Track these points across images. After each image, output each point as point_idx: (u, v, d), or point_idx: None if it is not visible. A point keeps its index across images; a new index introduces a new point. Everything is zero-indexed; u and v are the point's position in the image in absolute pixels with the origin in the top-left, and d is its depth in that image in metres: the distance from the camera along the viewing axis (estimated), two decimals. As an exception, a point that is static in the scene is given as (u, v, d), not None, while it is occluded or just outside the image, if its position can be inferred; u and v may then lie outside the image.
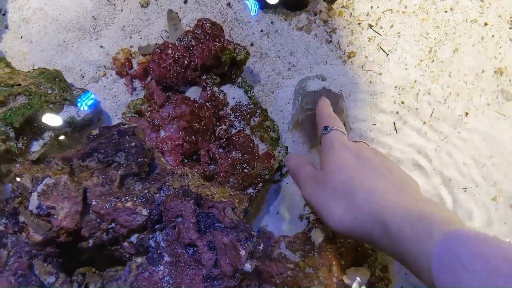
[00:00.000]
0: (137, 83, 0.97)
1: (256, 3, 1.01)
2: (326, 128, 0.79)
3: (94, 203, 0.67)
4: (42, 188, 0.65)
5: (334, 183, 0.69)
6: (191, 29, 0.89)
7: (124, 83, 0.96)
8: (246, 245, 0.66)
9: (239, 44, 0.92)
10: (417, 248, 0.55)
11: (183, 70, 0.86)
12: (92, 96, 0.90)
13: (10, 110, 0.80)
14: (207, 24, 0.87)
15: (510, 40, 0.98)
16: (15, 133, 0.80)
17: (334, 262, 0.85)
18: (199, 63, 0.87)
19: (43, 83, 0.84)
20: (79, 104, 0.87)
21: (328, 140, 0.77)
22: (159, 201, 0.71)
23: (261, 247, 0.67)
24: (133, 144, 0.72)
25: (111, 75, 0.97)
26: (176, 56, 0.85)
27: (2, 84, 0.83)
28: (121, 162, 0.72)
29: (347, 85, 0.98)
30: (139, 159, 0.72)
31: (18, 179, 0.68)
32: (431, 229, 0.55)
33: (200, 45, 0.87)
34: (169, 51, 0.85)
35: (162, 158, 0.78)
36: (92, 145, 0.73)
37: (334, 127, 0.79)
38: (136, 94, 0.97)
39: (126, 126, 0.75)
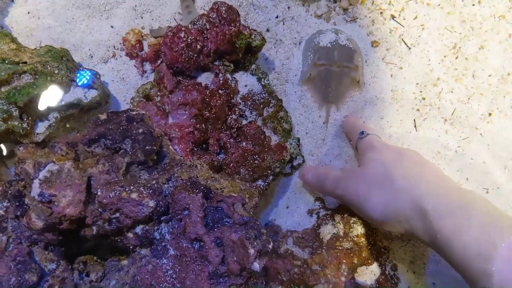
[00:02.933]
0: (147, 66, 0.93)
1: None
2: (362, 133, 0.83)
3: (99, 192, 0.64)
4: (45, 175, 0.62)
5: (373, 176, 0.73)
6: (206, 12, 0.85)
7: (134, 65, 0.93)
8: (255, 243, 0.63)
9: (255, 30, 0.87)
10: (463, 246, 0.58)
11: (196, 55, 0.82)
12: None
13: (15, 89, 0.77)
14: (223, 8, 0.83)
15: (540, 38, 0.93)
16: (19, 113, 0.77)
17: (344, 261, 0.83)
18: (213, 48, 0.83)
19: (50, 62, 0.81)
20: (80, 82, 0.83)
21: (366, 142, 0.81)
22: (167, 192, 0.68)
23: (270, 246, 0.65)
24: (140, 130, 0.69)
25: (121, 56, 0.93)
26: (189, 40, 0.81)
27: (7, 62, 0.80)
28: (128, 149, 0.69)
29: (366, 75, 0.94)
30: (146, 147, 0.69)
31: (21, 164, 0.65)
32: (483, 231, 0.57)
33: (215, 29, 0.83)
34: (182, 35, 0.81)
35: (171, 147, 0.74)
36: (99, 130, 0.69)
37: (370, 131, 0.83)
38: (146, 76, 0.93)
39: (135, 113, 0.71)
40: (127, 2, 0.94)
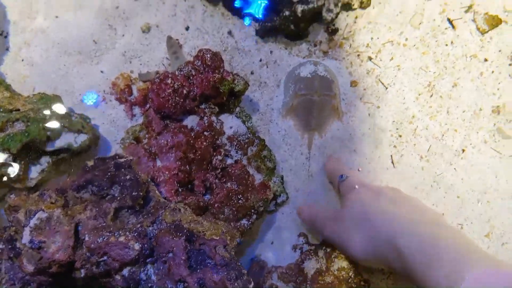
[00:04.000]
0: (137, 109, 0.98)
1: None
2: (342, 176, 0.87)
3: (86, 238, 0.67)
4: (35, 223, 0.65)
5: (353, 216, 0.77)
6: (192, 59, 0.90)
7: (124, 110, 0.97)
8: (236, 283, 0.66)
9: (238, 75, 0.92)
10: (436, 282, 0.61)
11: (182, 99, 0.87)
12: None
13: (8, 136, 0.81)
14: (208, 55, 0.88)
15: (510, 76, 0.98)
16: (13, 159, 0.81)
17: (326, 295, 0.85)
18: (198, 92, 0.88)
19: (42, 109, 0.85)
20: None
21: (347, 184, 0.85)
22: (152, 235, 0.71)
23: (251, 286, 0.68)
24: (128, 177, 0.73)
25: (111, 100, 0.98)
26: (176, 86, 0.86)
27: (1, 109, 0.84)
28: (116, 195, 0.72)
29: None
30: (133, 193, 0.73)
31: (13, 212, 0.68)
32: (452, 267, 0.60)
33: (200, 75, 0.88)
34: (169, 81, 0.86)
35: (156, 191, 0.78)
36: (86, 176, 0.73)
37: (350, 174, 0.87)
38: (136, 119, 0.97)
39: (122, 160, 0.75)
40: (116, 48, 0.99)
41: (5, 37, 0.97)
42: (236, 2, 1.01)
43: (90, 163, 0.75)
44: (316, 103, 0.95)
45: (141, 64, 0.99)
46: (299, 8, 0.96)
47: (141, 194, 0.73)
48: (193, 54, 1.01)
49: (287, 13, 0.97)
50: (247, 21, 1.03)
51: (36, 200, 0.69)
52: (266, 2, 1.00)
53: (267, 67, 1.01)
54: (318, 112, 0.96)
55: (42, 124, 0.83)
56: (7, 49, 0.96)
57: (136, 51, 1.00)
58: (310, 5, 0.96)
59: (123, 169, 0.74)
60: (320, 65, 0.97)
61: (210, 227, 0.73)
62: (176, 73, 0.88)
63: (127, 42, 0.99)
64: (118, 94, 0.96)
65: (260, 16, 1.00)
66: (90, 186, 0.73)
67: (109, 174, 0.73)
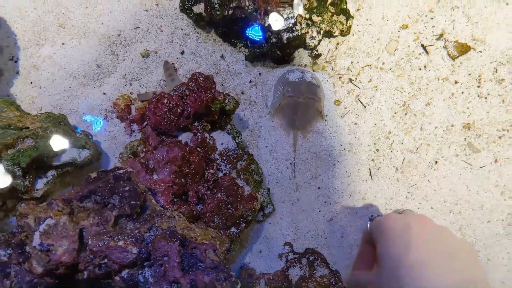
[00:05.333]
0: (135, 126, 1.06)
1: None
2: (372, 215, 0.81)
3: (90, 242, 0.75)
4: (44, 228, 0.73)
5: (384, 279, 0.69)
6: (186, 81, 0.98)
7: (123, 127, 1.05)
8: (224, 284, 0.73)
9: (229, 95, 1.01)
10: None
11: (177, 117, 0.95)
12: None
13: (18, 151, 0.89)
14: (200, 78, 0.97)
15: (478, 96, 1.07)
16: (22, 172, 0.89)
17: (309, 300, 0.92)
18: (192, 111, 0.96)
19: (49, 127, 0.93)
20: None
21: (375, 225, 0.77)
22: (149, 240, 0.78)
23: (238, 287, 0.75)
24: (127, 188, 0.81)
25: (112, 118, 1.06)
26: (171, 105, 0.94)
27: (12, 127, 0.92)
28: (116, 204, 0.80)
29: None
30: (132, 202, 0.80)
31: (23, 219, 0.76)
32: None
33: (193, 95, 0.96)
34: (165, 101, 0.94)
35: (153, 200, 0.86)
36: (90, 187, 0.81)
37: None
38: (134, 136, 1.05)
39: (121, 171, 0.83)
40: (117, 71, 1.08)
41: (16, 62, 1.05)
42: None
43: (93, 175, 0.83)
44: (302, 105, 1.04)
45: (140, 86, 1.08)
46: (285, 36, 1.05)
47: (138, 203, 0.81)
48: (188, 77, 1.10)
49: (274, 40, 1.07)
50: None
51: (45, 208, 0.77)
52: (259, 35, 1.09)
53: (256, 87, 1.10)
54: (303, 113, 1.05)
55: (49, 141, 0.91)
56: (17, 73, 1.05)
57: (135, 74, 1.09)
58: (295, 33, 1.06)
59: (121, 181, 0.82)
60: (307, 72, 1.07)
61: (201, 233, 0.80)
62: (172, 93, 0.97)
63: (127, 66, 1.08)
64: (119, 113, 1.04)
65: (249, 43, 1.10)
66: (93, 196, 0.80)
67: (109, 185, 0.81)
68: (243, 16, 1.05)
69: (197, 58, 1.11)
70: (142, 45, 1.10)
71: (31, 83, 1.05)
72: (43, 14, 1.08)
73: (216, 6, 1.04)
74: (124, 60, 1.09)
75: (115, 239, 0.76)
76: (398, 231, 0.71)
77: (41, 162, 0.91)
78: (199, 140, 0.97)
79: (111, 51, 1.09)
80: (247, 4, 1.04)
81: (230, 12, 1.04)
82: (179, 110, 0.95)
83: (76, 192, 0.81)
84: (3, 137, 0.89)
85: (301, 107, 1.04)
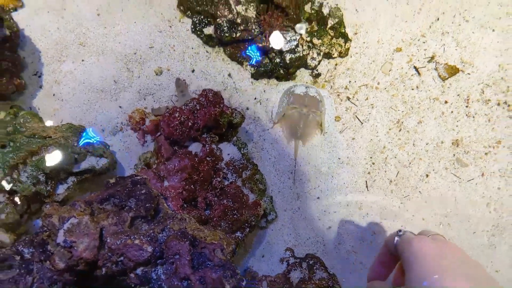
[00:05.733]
0: (148, 137, 1.14)
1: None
2: (399, 231, 0.77)
3: (108, 240, 0.82)
4: (68, 226, 0.80)
5: None
6: (197, 96, 1.07)
7: (137, 137, 1.13)
8: (231, 280, 0.81)
9: (236, 109, 1.10)
10: None
11: (188, 129, 1.04)
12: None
13: (42, 158, 0.97)
14: (210, 94, 1.05)
15: (466, 116, 1.16)
16: (45, 178, 0.96)
17: (308, 301, 0.99)
18: (202, 124, 1.05)
19: (70, 137, 1.01)
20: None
21: (404, 240, 0.74)
22: (162, 240, 0.85)
23: (244, 283, 0.82)
24: (143, 192, 0.88)
25: (127, 130, 1.14)
26: (182, 119, 1.03)
27: (37, 136, 1.00)
28: (132, 206, 0.88)
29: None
30: (147, 205, 0.88)
31: (48, 218, 0.83)
32: None
33: (203, 109, 1.05)
34: (177, 115, 1.03)
35: (165, 204, 0.93)
36: (109, 191, 0.89)
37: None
38: (147, 146, 1.13)
39: (138, 177, 0.91)
40: (133, 86, 1.17)
41: (39, 76, 1.14)
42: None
43: (112, 180, 0.91)
44: (304, 116, 1.13)
45: (154, 101, 1.17)
46: (288, 56, 1.15)
47: (153, 206, 0.88)
48: (198, 93, 1.18)
49: (278, 60, 1.16)
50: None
51: (69, 209, 0.84)
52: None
53: (260, 104, 1.19)
54: (305, 124, 1.14)
55: (71, 149, 0.99)
56: (41, 87, 1.14)
57: (149, 89, 1.17)
58: (297, 54, 1.15)
59: (138, 185, 0.90)
60: (311, 88, 1.16)
61: (210, 234, 0.88)
62: (183, 107, 1.05)
63: (142, 82, 1.17)
64: (134, 125, 1.13)
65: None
66: (112, 199, 0.88)
67: (127, 189, 0.89)
68: (250, 38, 1.15)
69: (206, 76, 1.20)
70: (156, 63, 1.19)
71: (54, 95, 1.14)
72: (65, 33, 1.17)
73: (225, 29, 1.14)
74: (139, 76, 1.18)
75: (131, 238, 0.83)
76: (433, 257, 0.68)
77: (62, 169, 0.99)
78: (207, 150, 1.05)
79: (127, 68, 1.18)
80: (253, 27, 1.14)
81: (238, 34, 1.14)
82: (190, 123, 1.04)
83: (96, 195, 0.89)
84: (29, 145, 0.97)
85: (304, 118, 1.13)
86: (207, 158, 1.04)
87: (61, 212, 0.84)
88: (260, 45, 1.16)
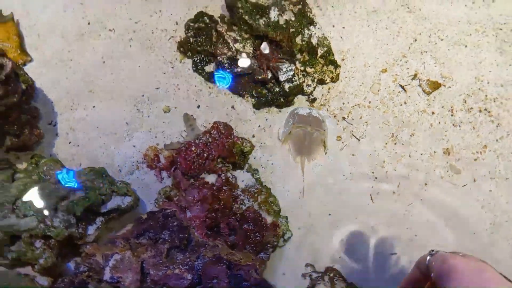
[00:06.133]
0: (164, 173, 1.21)
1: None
2: (432, 251, 0.76)
3: (151, 272, 0.88)
4: (113, 263, 0.86)
5: None
6: (208, 129, 1.15)
7: (154, 174, 1.20)
8: (268, 297, 0.87)
9: (245, 138, 1.18)
10: None
11: (204, 161, 1.11)
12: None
13: (72, 202, 1.02)
14: (221, 126, 1.14)
15: (453, 125, 1.28)
16: (76, 221, 1.01)
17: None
18: (216, 155, 1.12)
19: (95, 179, 1.07)
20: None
21: (438, 258, 0.73)
22: (198, 267, 0.92)
23: (278, 299, 0.89)
24: (175, 223, 0.95)
25: (143, 167, 1.20)
26: (198, 152, 1.10)
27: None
28: (167, 238, 0.94)
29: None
30: (180, 235, 0.94)
31: (90, 258, 0.88)
32: None
33: (216, 141, 1.13)
34: (193, 148, 1.10)
35: (195, 233, 1.00)
36: (143, 226, 0.95)
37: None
38: (164, 182, 1.20)
39: (168, 211, 0.97)
40: (143, 126, 1.24)
41: (54, 125, 1.20)
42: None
43: (144, 216, 0.97)
44: (309, 135, 1.23)
45: (164, 137, 1.24)
46: (287, 86, 1.24)
47: (186, 235, 0.95)
48: (205, 126, 1.26)
49: (277, 89, 1.25)
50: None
51: (110, 247, 0.90)
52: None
53: (264, 130, 1.28)
54: (309, 142, 1.23)
55: (98, 191, 1.05)
56: (57, 135, 1.19)
57: (159, 127, 1.24)
58: (294, 83, 1.25)
59: (169, 218, 0.96)
60: (314, 109, 1.26)
61: (243, 257, 0.94)
62: (197, 141, 1.13)
63: (152, 121, 1.24)
64: (149, 162, 1.19)
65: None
66: (146, 233, 0.94)
67: (160, 222, 0.95)
68: (250, 72, 1.24)
69: (211, 110, 1.28)
70: (163, 102, 1.27)
71: (70, 142, 1.19)
72: (74, 82, 1.24)
73: (226, 65, 1.23)
74: (148, 116, 1.25)
75: (171, 268, 0.89)
76: (472, 270, 0.68)
77: (91, 210, 1.04)
78: (223, 179, 1.12)
79: (137, 109, 1.25)
80: (253, 63, 1.23)
81: (239, 69, 1.23)
82: (205, 155, 1.11)
83: (131, 231, 0.95)
84: (57, 191, 1.03)
85: (308, 136, 1.22)
86: (224, 187, 1.11)
87: (103, 250, 0.89)
88: (260, 77, 1.25)
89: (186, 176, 1.12)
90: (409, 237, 1.16)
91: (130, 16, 1.32)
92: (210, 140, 1.14)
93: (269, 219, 1.13)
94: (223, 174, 1.13)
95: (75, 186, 1.04)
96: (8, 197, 1.01)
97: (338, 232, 1.19)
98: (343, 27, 1.40)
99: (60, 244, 1.01)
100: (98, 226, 1.05)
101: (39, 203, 1.01)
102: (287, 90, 1.25)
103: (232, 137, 1.14)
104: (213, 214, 1.08)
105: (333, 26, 1.39)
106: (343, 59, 1.36)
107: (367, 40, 1.38)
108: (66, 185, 1.04)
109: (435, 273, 0.72)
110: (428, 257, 0.75)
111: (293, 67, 1.26)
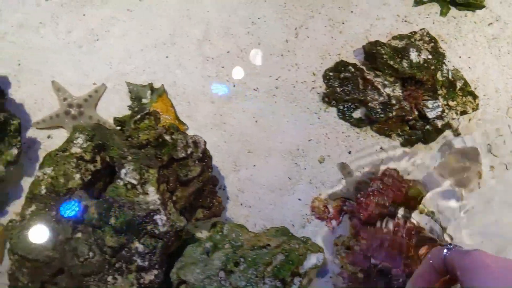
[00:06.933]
0: (333, 222, 1.23)
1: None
2: (449, 245, 0.71)
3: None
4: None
5: None
6: (379, 177, 1.18)
7: (326, 225, 1.22)
8: None
9: (411, 180, 1.21)
10: None
11: (383, 209, 1.14)
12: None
13: (276, 267, 1.04)
14: (394, 173, 1.17)
15: None
16: (283, 285, 1.04)
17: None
18: (389, 201, 1.15)
19: (286, 240, 1.09)
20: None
21: (456, 254, 0.68)
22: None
23: None
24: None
25: (313, 220, 1.23)
26: (377, 201, 1.13)
27: (256, 247, 1.08)
28: None
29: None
30: None
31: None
32: None
33: (390, 188, 1.15)
34: (372, 198, 1.13)
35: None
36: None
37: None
38: (335, 231, 1.22)
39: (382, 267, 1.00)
40: (303, 179, 1.27)
41: (223, 189, 1.23)
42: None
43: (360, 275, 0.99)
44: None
45: (325, 187, 1.27)
46: (439, 123, 1.28)
47: None
48: (357, 171, 1.29)
49: (428, 127, 1.29)
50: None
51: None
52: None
53: (417, 167, 1.30)
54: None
55: (296, 252, 1.07)
56: (227, 198, 1.23)
57: (318, 178, 1.27)
58: (445, 119, 1.28)
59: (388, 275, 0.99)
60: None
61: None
62: (373, 190, 1.16)
63: (309, 172, 1.27)
64: (320, 214, 1.22)
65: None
66: None
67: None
68: (403, 114, 1.27)
69: (362, 154, 1.31)
70: (317, 153, 1.30)
71: (241, 204, 1.23)
72: (232, 144, 1.28)
73: (379, 110, 1.27)
74: (305, 168, 1.28)
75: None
76: (499, 270, 0.63)
77: (292, 272, 1.07)
78: (405, 224, 1.15)
79: (295, 163, 1.28)
80: (405, 105, 1.27)
81: (394, 113, 1.27)
82: (382, 202, 1.14)
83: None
84: (261, 257, 1.05)
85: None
86: (413, 232, 1.14)
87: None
88: (411, 117, 1.28)
89: (365, 224, 1.15)
90: None
91: (270, 73, 1.36)
92: (381, 186, 1.16)
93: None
94: (403, 218, 1.16)
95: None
96: (213, 269, 1.04)
97: None
98: (469, 57, 1.43)
99: (273, 310, 1.03)
100: (299, 287, 1.07)
101: (247, 272, 1.03)
102: (440, 127, 1.28)
103: (405, 181, 1.17)
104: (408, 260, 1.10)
105: (460, 57, 1.43)
106: (475, 88, 1.39)
107: (492, 67, 1.42)
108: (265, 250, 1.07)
109: (457, 267, 0.65)
110: (445, 251, 0.69)
111: (440, 103, 1.29)
